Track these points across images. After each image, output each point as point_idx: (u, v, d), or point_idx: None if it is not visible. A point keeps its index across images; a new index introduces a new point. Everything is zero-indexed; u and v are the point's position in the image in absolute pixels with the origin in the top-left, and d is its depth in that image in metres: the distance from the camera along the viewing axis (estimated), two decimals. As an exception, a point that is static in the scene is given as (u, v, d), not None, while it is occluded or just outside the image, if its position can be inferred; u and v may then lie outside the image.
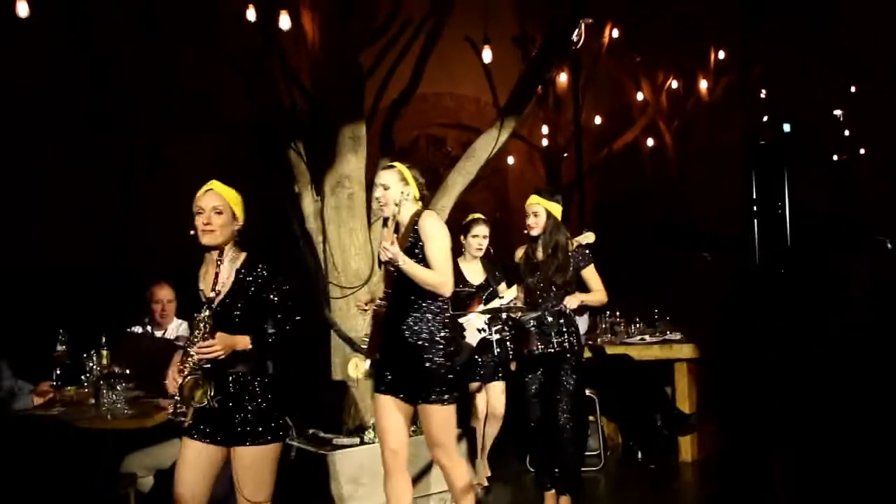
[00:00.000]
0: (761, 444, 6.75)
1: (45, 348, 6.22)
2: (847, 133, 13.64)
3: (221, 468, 3.62)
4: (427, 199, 4.30)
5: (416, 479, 5.24)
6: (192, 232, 3.62)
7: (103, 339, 5.11)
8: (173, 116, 8.33)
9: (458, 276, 5.73)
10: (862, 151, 13.71)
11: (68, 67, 7.90)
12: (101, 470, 4.77)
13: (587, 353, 6.80)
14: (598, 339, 7.01)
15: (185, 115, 8.28)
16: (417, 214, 4.13)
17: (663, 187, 12.94)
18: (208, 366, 3.47)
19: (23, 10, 5.98)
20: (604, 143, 13.08)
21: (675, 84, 13.26)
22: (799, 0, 12.32)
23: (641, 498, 6.03)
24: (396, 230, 4.19)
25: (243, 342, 3.49)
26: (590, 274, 5.13)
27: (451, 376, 4.09)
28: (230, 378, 3.52)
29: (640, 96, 13.26)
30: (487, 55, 10.18)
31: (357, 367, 4.28)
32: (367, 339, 4.21)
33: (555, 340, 4.95)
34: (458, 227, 5.87)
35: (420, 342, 4.04)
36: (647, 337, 6.92)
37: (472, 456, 5.79)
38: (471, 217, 5.95)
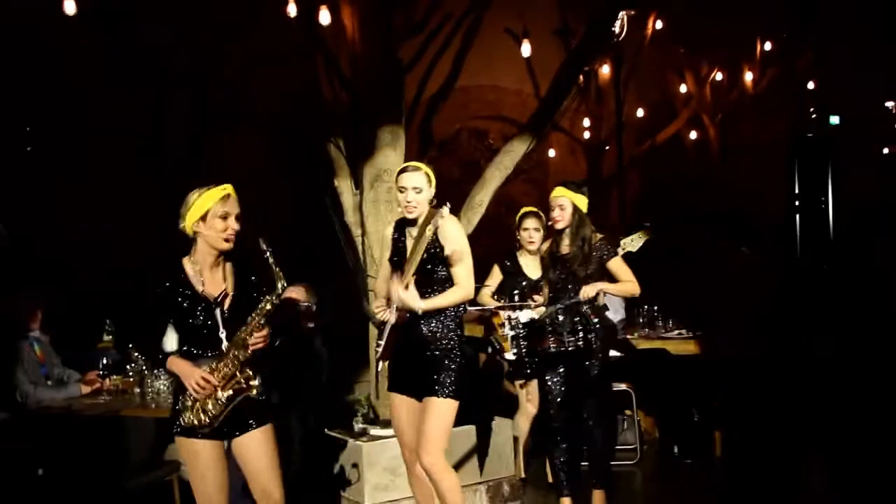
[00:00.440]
0: (797, 442, 6.70)
1: (93, 339, 6.41)
2: (898, 126, 13.37)
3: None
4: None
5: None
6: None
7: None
8: (213, 113, 8.47)
9: (517, 271, 5.77)
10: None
11: (113, 65, 8.06)
12: (146, 457, 4.89)
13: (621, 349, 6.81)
14: (636, 333, 6.99)
15: (224, 112, 8.41)
16: (431, 213, 4.07)
17: (706, 181, 12.82)
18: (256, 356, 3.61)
19: (70, 7, 6.10)
20: (646, 136, 13.00)
21: (719, 76, 13.12)
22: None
23: (678, 492, 6.01)
24: (403, 231, 4.19)
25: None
26: (616, 266, 4.96)
27: (457, 374, 4.06)
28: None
29: (683, 88, 13.14)
30: (527, 49, 10.16)
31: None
32: (380, 343, 4.16)
33: (568, 339, 4.85)
34: (496, 221, 5.89)
35: (435, 341, 4.05)
36: (683, 332, 6.88)
37: (515, 453, 5.83)
38: (522, 211, 5.88)
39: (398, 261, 4.17)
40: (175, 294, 3.60)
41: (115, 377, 5.49)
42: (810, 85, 12.63)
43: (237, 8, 7.86)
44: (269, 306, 3.58)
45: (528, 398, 5.79)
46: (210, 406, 3.54)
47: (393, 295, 4.03)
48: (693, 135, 13.33)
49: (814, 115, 10.95)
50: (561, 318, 4.87)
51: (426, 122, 6.34)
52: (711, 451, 6.64)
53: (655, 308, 7.12)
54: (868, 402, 7.00)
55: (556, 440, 5.02)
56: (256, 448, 3.66)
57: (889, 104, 13.00)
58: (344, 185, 5.71)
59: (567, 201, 4.90)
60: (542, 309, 5.01)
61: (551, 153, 12.74)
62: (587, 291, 4.82)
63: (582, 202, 4.91)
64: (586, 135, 12.80)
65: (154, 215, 8.07)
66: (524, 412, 5.88)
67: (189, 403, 3.56)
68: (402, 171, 4.14)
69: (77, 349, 6.09)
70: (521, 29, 10.36)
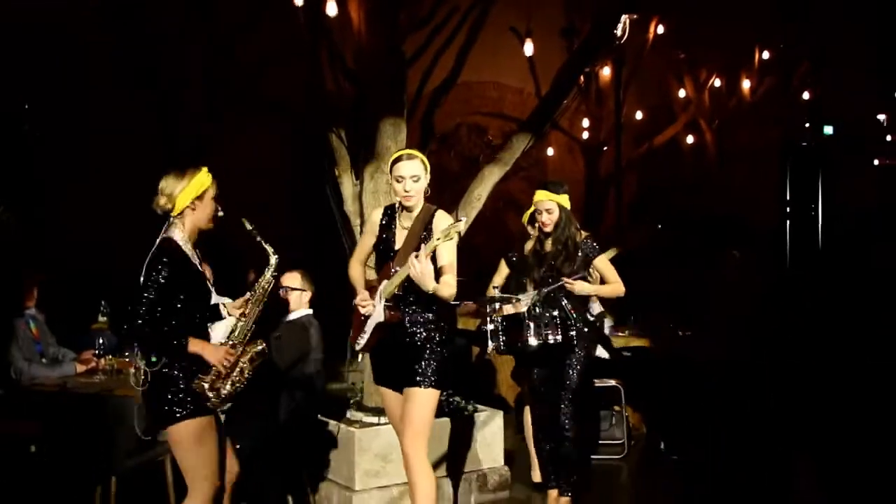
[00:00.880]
0: (784, 441, 6.80)
1: (88, 320, 6.47)
2: (889, 138, 13.49)
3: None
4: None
5: (442, 460, 5.39)
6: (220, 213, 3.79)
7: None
8: (219, 102, 8.53)
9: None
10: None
11: (122, 56, 8.13)
12: (139, 437, 4.94)
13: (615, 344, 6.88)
14: (626, 332, 7.07)
15: (231, 101, 8.47)
16: (429, 209, 4.07)
17: (701, 185, 12.93)
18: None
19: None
20: (644, 138, 13.11)
21: (717, 82, 13.23)
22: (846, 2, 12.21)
23: (663, 487, 6.09)
24: (392, 218, 4.14)
25: None
26: (602, 265, 4.94)
27: (439, 364, 4.02)
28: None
29: (682, 93, 13.24)
30: (529, 48, 10.23)
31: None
32: (364, 335, 4.11)
33: (546, 332, 4.75)
34: (493, 217, 5.94)
35: (416, 332, 4.03)
36: (674, 331, 6.96)
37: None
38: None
39: (384, 249, 4.13)
40: (187, 272, 3.64)
41: (109, 357, 5.54)
42: (805, 95, 12.76)
43: (244, 1, 7.94)
44: (270, 278, 3.79)
45: None
46: (235, 378, 3.64)
47: (413, 264, 3.79)
48: (690, 139, 13.44)
49: (808, 125, 11.07)
50: (539, 310, 4.79)
51: (428, 115, 6.40)
52: (698, 447, 6.73)
53: (646, 307, 7.20)
54: (854, 402, 7.12)
55: (543, 433, 5.02)
56: (218, 427, 3.76)
57: (881, 116, 13.12)
58: (345, 175, 5.77)
59: (554, 205, 4.86)
60: (531, 296, 4.94)
61: (550, 152, 12.82)
62: (575, 286, 4.77)
63: (565, 201, 4.88)
64: (585, 135, 12.89)
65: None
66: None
67: (207, 382, 3.60)
68: (397, 160, 4.05)
69: (71, 330, 6.15)
70: (525, 27, 10.42)
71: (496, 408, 5.87)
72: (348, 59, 6.03)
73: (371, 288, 4.16)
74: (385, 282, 4.04)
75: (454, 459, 5.47)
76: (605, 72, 12.36)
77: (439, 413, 5.47)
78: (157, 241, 3.63)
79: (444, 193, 9.82)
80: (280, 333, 5.07)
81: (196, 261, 3.70)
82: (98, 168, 8.04)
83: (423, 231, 4.01)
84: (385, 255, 4.14)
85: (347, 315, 4.30)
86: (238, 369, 3.68)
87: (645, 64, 12.44)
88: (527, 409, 5.68)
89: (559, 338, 4.75)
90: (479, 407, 5.78)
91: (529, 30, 10.34)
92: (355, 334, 4.19)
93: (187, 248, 3.67)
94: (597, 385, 6.44)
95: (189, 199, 3.63)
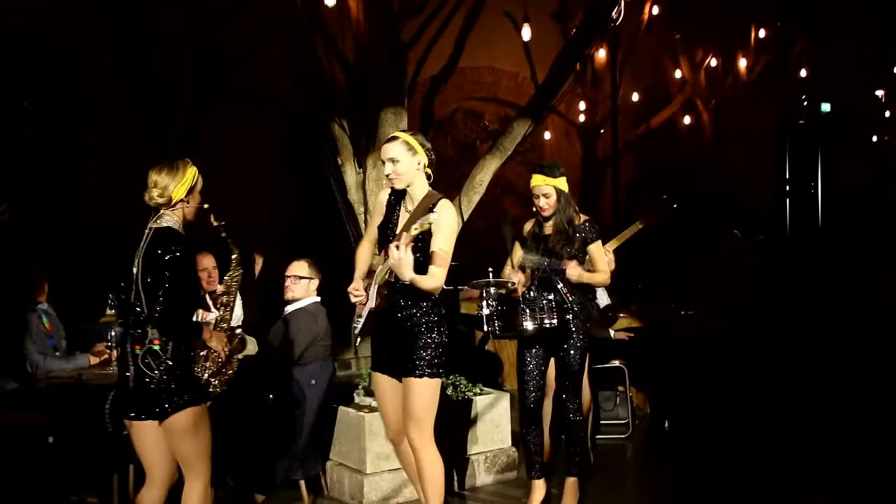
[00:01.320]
0: (785, 420, 6.88)
1: (95, 313, 6.54)
2: (888, 114, 13.55)
3: None
4: (435, 165, 4.11)
5: (450, 442, 5.46)
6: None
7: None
8: (213, 92, 8.57)
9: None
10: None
11: (115, 47, 8.16)
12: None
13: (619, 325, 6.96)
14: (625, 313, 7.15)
15: (224, 91, 8.51)
16: (433, 196, 4.00)
17: (699, 165, 12.98)
18: None
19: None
20: (641, 120, 13.14)
21: (713, 62, 13.25)
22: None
23: (667, 466, 6.17)
24: (399, 200, 4.09)
25: None
26: (596, 250, 4.83)
27: (439, 353, 3.99)
28: None
29: (678, 74, 13.27)
30: (527, 33, 10.24)
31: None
32: (359, 321, 4.09)
33: (542, 316, 4.59)
34: (491, 202, 5.97)
35: (412, 320, 3.99)
36: (676, 311, 7.03)
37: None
38: None
39: (386, 231, 4.11)
40: (193, 263, 3.74)
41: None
42: (802, 73, 12.80)
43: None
44: (238, 273, 4.02)
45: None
46: (228, 368, 3.71)
47: (392, 250, 3.77)
48: (687, 120, 13.47)
49: (805, 103, 11.13)
50: (534, 294, 4.67)
51: (428, 102, 6.45)
52: (701, 427, 6.81)
53: (648, 287, 7.28)
54: (854, 381, 7.19)
55: (529, 421, 4.86)
56: None
57: (879, 93, 13.17)
58: (347, 164, 5.83)
59: (550, 189, 4.71)
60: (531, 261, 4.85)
61: (547, 136, 12.86)
62: (571, 271, 4.68)
63: (563, 184, 4.74)
64: (582, 118, 12.93)
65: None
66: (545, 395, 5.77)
67: (210, 370, 3.70)
68: (385, 143, 4.10)
69: (79, 323, 6.21)
70: (520, 12, 10.42)
71: (503, 390, 5.95)
72: (348, 49, 6.08)
73: (371, 272, 4.15)
74: (381, 266, 4.02)
75: (462, 441, 5.56)
76: (601, 54, 12.38)
77: (447, 397, 5.58)
78: (154, 231, 3.62)
79: (442, 179, 9.93)
80: (287, 320, 5.15)
81: None
82: (100, 163, 8.09)
83: (420, 217, 3.91)
84: (386, 237, 4.09)
85: (348, 304, 4.29)
86: (228, 360, 3.80)
87: (640, 45, 12.47)
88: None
89: (555, 322, 4.61)
90: (486, 389, 5.85)
91: (527, 16, 10.35)
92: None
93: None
94: (600, 366, 6.52)
95: (184, 192, 3.66)
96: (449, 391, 5.65)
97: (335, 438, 5.44)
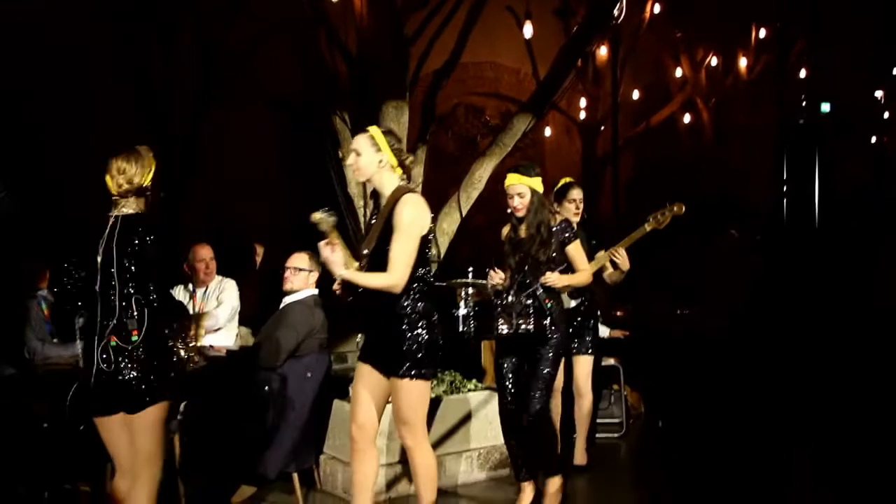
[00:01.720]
0: (782, 418, 6.91)
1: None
2: (886, 115, 13.57)
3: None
4: (407, 167, 4.03)
5: (445, 439, 5.49)
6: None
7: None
8: (213, 92, 8.57)
9: None
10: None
11: (115, 47, 8.16)
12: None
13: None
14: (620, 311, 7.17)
15: (225, 90, 8.51)
16: (399, 192, 3.93)
17: (699, 164, 12.99)
18: None
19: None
20: (641, 118, 13.15)
21: (714, 61, 13.26)
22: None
23: (661, 466, 6.19)
24: (377, 201, 4.03)
25: None
26: (575, 250, 4.77)
27: (425, 352, 3.91)
28: None
29: (678, 72, 13.28)
30: (528, 30, 10.22)
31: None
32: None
33: (518, 321, 4.54)
34: (490, 198, 5.98)
35: (397, 316, 3.90)
36: (673, 310, 7.05)
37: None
38: (563, 181, 5.61)
39: (366, 228, 4.10)
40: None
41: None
42: (802, 73, 12.81)
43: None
44: None
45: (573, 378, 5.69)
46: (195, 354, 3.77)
47: (321, 252, 3.88)
48: (687, 118, 13.49)
49: (805, 103, 11.14)
50: (511, 298, 4.59)
51: (429, 96, 6.44)
52: (696, 426, 6.84)
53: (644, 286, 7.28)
54: (852, 379, 7.22)
55: (508, 425, 4.80)
56: None
57: (878, 94, 13.19)
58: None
59: (525, 188, 4.60)
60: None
61: (547, 132, 12.87)
62: (550, 279, 4.58)
63: (538, 184, 4.63)
64: (582, 115, 12.93)
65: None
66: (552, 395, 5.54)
67: (185, 350, 3.72)
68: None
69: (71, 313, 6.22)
70: (523, 8, 10.40)
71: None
72: (351, 43, 6.08)
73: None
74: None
75: (456, 437, 5.57)
76: (602, 52, 12.39)
77: (442, 393, 5.59)
78: (123, 219, 3.58)
79: (443, 174, 9.93)
80: (284, 312, 5.15)
81: None
82: (100, 163, 8.09)
83: (389, 213, 3.89)
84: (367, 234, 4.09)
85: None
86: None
87: (641, 43, 12.48)
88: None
89: (531, 327, 4.55)
90: (480, 386, 5.87)
91: (529, 12, 10.34)
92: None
93: None
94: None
95: (148, 179, 3.64)
96: (444, 387, 5.67)
97: (329, 432, 5.45)
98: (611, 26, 10.41)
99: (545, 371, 4.64)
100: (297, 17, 6.21)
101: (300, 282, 5.24)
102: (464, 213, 6.03)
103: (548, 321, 4.60)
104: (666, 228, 5.39)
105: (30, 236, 6.62)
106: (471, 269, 5.18)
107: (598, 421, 6.70)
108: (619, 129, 11.77)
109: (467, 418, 5.64)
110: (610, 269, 5.52)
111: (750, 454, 6.14)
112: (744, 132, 13.13)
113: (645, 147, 13.34)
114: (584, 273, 4.80)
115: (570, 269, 4.80)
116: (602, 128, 12.75)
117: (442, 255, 6.08)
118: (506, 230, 4.84)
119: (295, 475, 5.06)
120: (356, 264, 4.02)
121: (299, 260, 5.26)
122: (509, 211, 4.69)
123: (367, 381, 4.04)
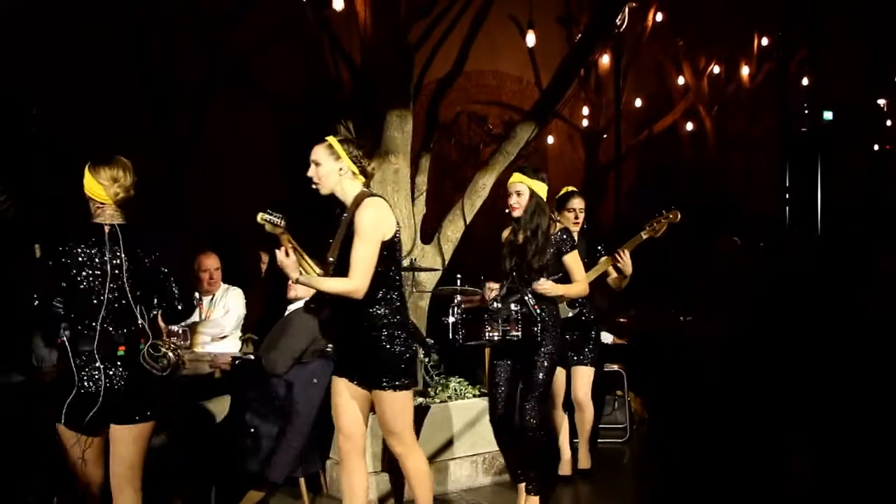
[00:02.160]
0: (782, 423, 6.92)
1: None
2: (889, 123, 13.59)
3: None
4: (369, 173, 4.01)
5: (449, 444, 5.52)
6: None
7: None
8: (216, 91, 8.61)
9: None
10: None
11: (115, 46, 8.20)
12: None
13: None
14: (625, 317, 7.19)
15: (227, 90, 8.55)
16: (361, 197, 3.89)
17: (701, 171, 13.02)
18: None
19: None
20: (643, 126, 13.18)
21: (716, 69, 13.29)
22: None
23: (665, 471, 6.21)
24: (343, 210, 3.98)
25: None
26: (572, 261, 4.73)
27: (403, 362, 3.89)
28: None
29: (681, 80, 13.31)
30: (531, 39, 10.25)
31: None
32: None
33: (506, 328, 4.50)
34: (493, 207, 6.00)
35: (373, 327, 3.87)
36: (675, 316, 7.08)
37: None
38: (565, 190, 5.64)
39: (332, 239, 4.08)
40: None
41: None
42: (804, 81, 12.83)
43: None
44: None
45: (554, 388, 5.68)
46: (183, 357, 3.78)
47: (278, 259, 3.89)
48: (689, 126, 13.51)
49: (807, 111, 11.18)
50: (499, 305, 4.54)
51: (432, 105, 6.49)
52: (699, 431, 6.85)
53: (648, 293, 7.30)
54: (851, 385, 7.24)
55: (500, 432, 4.81)
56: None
57: (881, 102, 13.21)
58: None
59: (525, 187, 4.57)
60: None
61: (550, 140, 12.90)
62: (542, 286, 4.56)
63: (540, 189, 4.60)
64: (585, 123, 12.96)
65: (155, 185, 8.30)
66: (554, 402, 5.70)
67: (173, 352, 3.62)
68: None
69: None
70: (525, 16, 10.43)
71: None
72: (355, 52, 6.12)
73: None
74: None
75: (461, 443, 5.60)
76: (605, 60, 12.43)
77: (446, 398, 5.62)
78: (122, 228, 3.57)
79: (446, 182, 9.97)
80: (289, 319, 5.18)
81: None
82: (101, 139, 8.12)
83: (351, 219, 3.86)
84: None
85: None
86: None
87: (644, 51, 12.52)
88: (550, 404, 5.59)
89: (519, 334, 4.51)
90: (485, 391, 5.89)
91: (531, 20, 10.38)
92: None
93: None
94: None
95: (133, 188, 3.62)
96: (449, 393, 5.70)
97: (335, 437, 5.47)
98: (613, 35, 10.46)
99: (539, 378, 4.60)
100: (302, 24, 6.24)
101: (303, 289, 5.26)
102: (467, 221, 6.07)
103: (537, 328, 4.55)
104: (666, 235, 5.42)
105: (33, 240, 6.66)
106: (458, 275, 5.22)
107: (602, 426, 6.73)
108: (622, 137, 11.80)
109: (472, 424, 5.67)
110: (614, 275, 5.55)
111: (753, 460, 6.16)
112: (746, 140, 13.15)
113: (647, 155, 13.37)
114: (579, 284, 4.77)
115: (565, 278, 4.78)
116: (605, 136, 12.78)
117: (446, 263, 6.13)
118: (506, 233, 4.83)
119: (301, 480, 5.09)
120: (317, 270, 4.05)
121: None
122: (507, 211, 4.67)
123: (346, 394, 4.03)
